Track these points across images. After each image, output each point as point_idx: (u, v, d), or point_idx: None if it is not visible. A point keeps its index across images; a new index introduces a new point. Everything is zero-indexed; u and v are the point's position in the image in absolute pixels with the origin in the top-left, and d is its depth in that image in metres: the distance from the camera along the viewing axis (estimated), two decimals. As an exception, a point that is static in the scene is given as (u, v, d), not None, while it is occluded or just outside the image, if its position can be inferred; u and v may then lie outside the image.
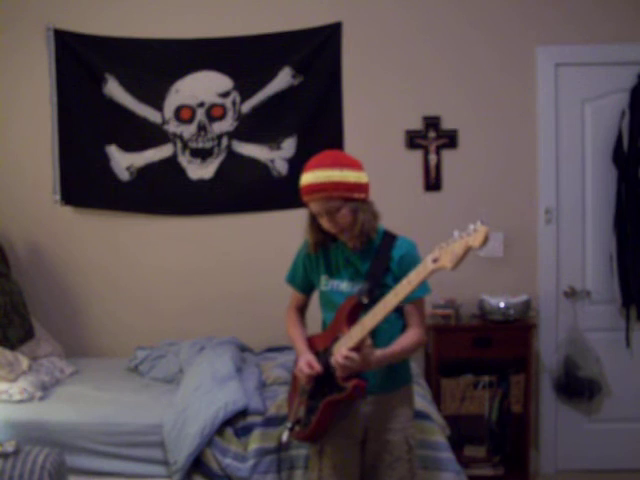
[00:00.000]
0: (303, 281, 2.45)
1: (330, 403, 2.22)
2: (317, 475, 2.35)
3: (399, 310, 2.27)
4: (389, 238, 2.29)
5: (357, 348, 2.12)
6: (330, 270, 2.35)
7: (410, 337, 2.26)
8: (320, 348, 2.30)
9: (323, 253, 2.36)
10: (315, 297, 2.49)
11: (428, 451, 2.70)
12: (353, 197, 2.21)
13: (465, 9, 3.79)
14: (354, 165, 2.25)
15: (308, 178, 2.21)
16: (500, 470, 3.65)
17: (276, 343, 3.71)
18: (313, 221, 2.31)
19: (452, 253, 1.91)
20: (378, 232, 2.29)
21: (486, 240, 1.86)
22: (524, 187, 3.84)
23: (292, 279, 2.48)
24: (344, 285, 2.30)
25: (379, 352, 2.17)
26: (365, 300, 2.19)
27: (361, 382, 2.16)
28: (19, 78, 3.87)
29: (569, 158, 3.82)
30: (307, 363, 2.26)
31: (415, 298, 2.25)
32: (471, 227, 1.89)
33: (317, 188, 2.19)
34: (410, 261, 2.25)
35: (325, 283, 2.35)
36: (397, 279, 2.21)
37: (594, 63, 3.76)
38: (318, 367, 2.24)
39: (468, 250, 1.89)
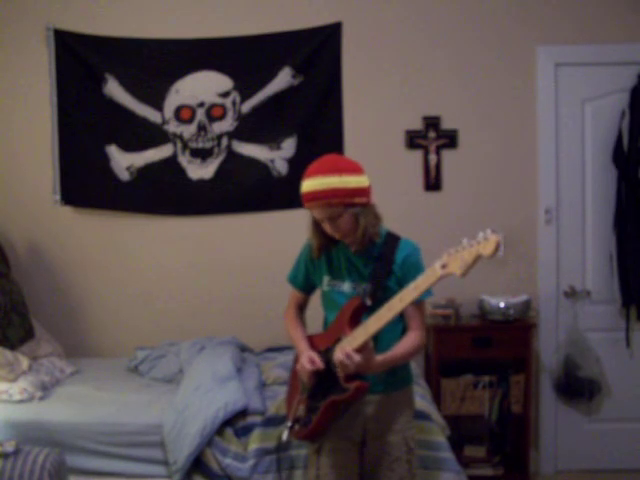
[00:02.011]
0: (304, 281, 2.45)
1: (332, 403, 2.22)
2: (315, 474, 2.35)
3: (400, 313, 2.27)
4: (392, 240, 2.29)
5: (359, 350, 2.12)
6: (332, 271, 2.34)
7: (411, 340, 2.26)
8: (321, 348, 2.30)
9: (326, 254, 2.36)
10: (315, 297, 2.49)
11: (428, 451, 2.70)
12: (354, 202, 2.20)
13: (465, 9, 3.79)
14: (354, 169, 2.23)
15: (308, 185, 2.20)
16: (500, 470, 3.65)
17: (276, 343, 3.71)
18: (316, 226, 2.30)
19: (462, 260, 1.91)
20: (381, 234, 2.29)
21: (497, 249, 1.86)
22: (524, 187, 3.84)
23: (294, 279, 2.48)
24: (346, 286, 2.30)
25: (380, 357, 2.17)
26: (369, 302, 2.19)
27: (364, 384, 2.17)
28: (19, 78, 3.87)
29: (569, 158, 3.82)
30: (309, 359, 2.26)
31: (417, 301, 2.25)
32: (481, 235, 1.89)
33: (317, 195, 2.17)
34: (412, 264, 2.25)
35: (327, 284, 2.35)
36: (399, 281, 2.22)
37: (594, 63, 3.76)
38: (320, 363, 2.24)
39: (478, 259, 1.90)
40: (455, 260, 1.93)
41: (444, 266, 1.96)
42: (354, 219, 2.22)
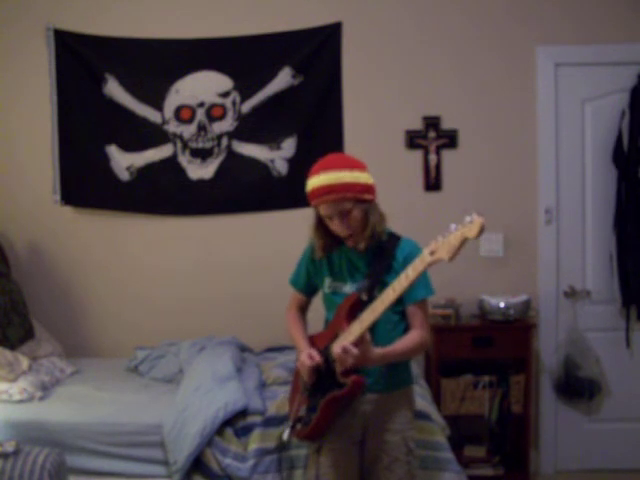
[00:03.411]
0: (306, 284, 2.46)
1: (331, 400, 2.22)
2: (315, 473, 2.36)
3: (401, 312, 2.28)
4: (393, 239, 2.30)
5: (356, 343, 2.13)
6: (334, 273, 2.35)
7: (412, 338, 2.26)
8: (321, 346, 2.31)
9: (327, 256, 2.36)
10: (317, 298, 2.49)
11: (428, 451, 2.70)
12: (364, 198, 2.21)
13: (465, 9, 3.79)
14: (362, 167, 2.26)
15: (318, 181, 2.20)
16: (500, 470, 3.65)
17: (276, 343, 3.71)
18: (319, 224, 2.31)
19: (449, 244, 1.93)
20: (385, 233, 2.30)
21: (482, 231, 1.87)
22: (524, 187, 3.84)
23: (295, 281, 2.49)
24: (348, 287, 2.31)
25: (379, 350, 2.17)
26: (364, 297, 2.20)
27: (360, 378, 2.18)
28: (19, 78, 3.87)
29: (569, 158, 3.82)
30: (308, 355, 2.27)
31: (418, 299, 2.25)
32: (467, 219, 1.91)
33: (329, 190, 2.18)
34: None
35: (329, 286, 2.35)
36: None
37: (594, 63, 3.76)
38: (318, 358, 2.24)
39: (464, 241, 1.91)
40: (443, 245, 1.94)
41: (432, 252, 1.97)
42: (364, 215, 2.23)
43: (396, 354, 2.23)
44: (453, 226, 1.94)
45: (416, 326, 2.28)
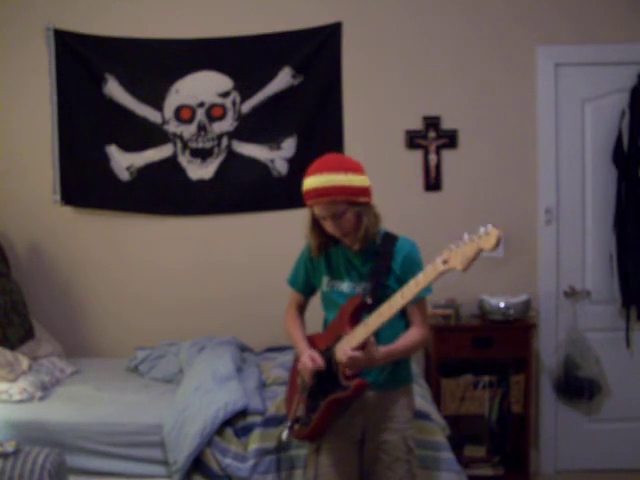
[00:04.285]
0: (304, 283, 2.46)
1: (333, 402, 2.23)
2: (313, 473, 2.36)
3: (401, 310, 2.28)
4: (390, 239, 2.30)
5: (361, 347, 2.13)
6: (331, 271, 2.35)
7: (413, 335, 2.27)
8: (322, 347, 2.31)
9: (324, 255, 2.37)
10: (315, 297, 2.49)
11: (428, 451, 2.70)
12: (358, 201, 2.21)
13: (465, 9, 3.79)
14: (357, 169, 2.25)
15: (312, 182, 2.21)
16: (500, 470, 3.65)
17: (276, 343, 3.71)
18: (315, 224, 2.31)
19: (463, 255, 1.92)
20: (379, 234, 2.30)
21: (498, 243, 1.87)
22: (524, 187, 3.84)
23: (293, 281, 2.49)
24: (345, 286, 2.31)
25: (383, 349, 2.18)
26: (369, 301, 2.20)
27: (363, 381, 2.19)
28: (19, 78, 3.87)
29: (569, 158, 3.82)
30: (310, 357, 2.27)
31: (418, 298, 2.25)
32: (482, 230, 1.90)
33: (322, 192, 2.18)
34: (412, 261, 2.26)
35: (327, 284, 2.36)
36: (398, 279, 2.23)
37: (594, 63, 3.76)
38: (321, 361, 2.25)
39: (479, 252, 1.90)
40: (456, 255, 1.94)
41: (445, 261, 1.97)
42: (356, 218, 2.23)
43: (399, 352, 2.24)
44: (466, 236, 1.94)
45: (416, 323, 2.29)
